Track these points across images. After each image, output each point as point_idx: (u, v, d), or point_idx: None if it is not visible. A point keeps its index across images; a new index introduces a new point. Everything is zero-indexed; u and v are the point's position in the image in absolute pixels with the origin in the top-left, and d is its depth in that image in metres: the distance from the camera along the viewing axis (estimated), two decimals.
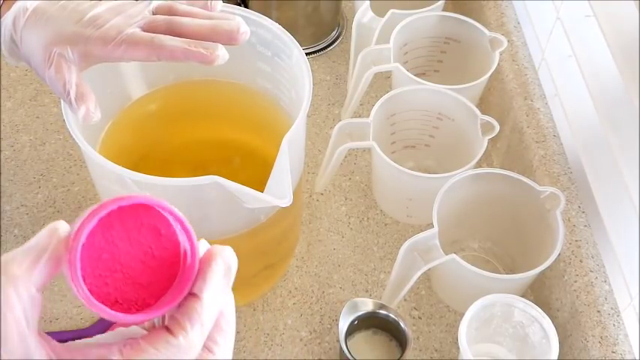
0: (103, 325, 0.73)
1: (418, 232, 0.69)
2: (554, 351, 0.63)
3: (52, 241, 0.36)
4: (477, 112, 0.78)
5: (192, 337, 0.37)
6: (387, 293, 0.72)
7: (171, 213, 0.38)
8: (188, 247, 0.39)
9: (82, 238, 0.36)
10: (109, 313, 0.37)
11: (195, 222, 0.64)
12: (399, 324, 0.69)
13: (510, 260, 0.79)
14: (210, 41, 0.53)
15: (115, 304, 0.38)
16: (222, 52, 0.53)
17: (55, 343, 0.37)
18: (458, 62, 0.91)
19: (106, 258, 0.38)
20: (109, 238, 0.37)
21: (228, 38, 0.54)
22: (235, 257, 0.40)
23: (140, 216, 0.38)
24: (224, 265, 0.39)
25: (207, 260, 0.39)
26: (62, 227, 0.37)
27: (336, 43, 1.02)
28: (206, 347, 0.39)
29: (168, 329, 0.37)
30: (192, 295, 0.38)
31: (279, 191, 0.55)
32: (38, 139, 0.91)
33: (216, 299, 0.39)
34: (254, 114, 0.75)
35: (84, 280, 0.36)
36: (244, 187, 0.54)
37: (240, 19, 0.55)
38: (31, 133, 0.91)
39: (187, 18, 0.55)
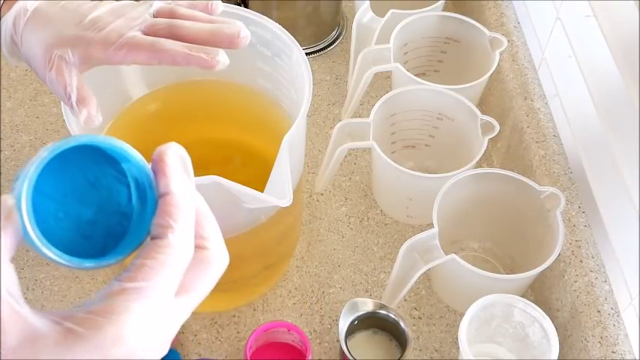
0: None
1: (418, 232, 0.69)
2: (554, 351, 0.63)
3: (2, 215, 0.35)
4: (477, 112, 0.78)
5: (180, 232, 0.36)
6: (387, 293, 0.72)
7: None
8: None
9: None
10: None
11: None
12: (399, 324, 0.69)
13: (510, 260, 0.79)
14: (210, 45, 0.53)
15: None
16: (222, 58, 0.53)
17: (50, 311, 0.35)
18: (458, 62, 0.91)
19: None
20: None
21: (228, 42, 0.54)
22: (184, 150, 0.39)
23: None
24: (176, 156, 0.38)
25: (158, 158, 0.38)
26: (7, 199, 0.35)
27: (336, 43, 1.02)
28: (197, 247, 0.37)
29: (153, 238, 0.36)
30: (161, 196, 0.37)
31: (279, 191, 0.55)
32: (38, 139, 0.91)
33: (187, 190, 0.37)
34: (254, 114, 0.75)
35: None
36: (244, 187, 0.54)
37: (240, 24, 0.55)
38: (31, 133, 0.91)
39: (188, 21, 0.55)
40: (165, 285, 0.35)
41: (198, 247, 0.37)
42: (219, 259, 0.38)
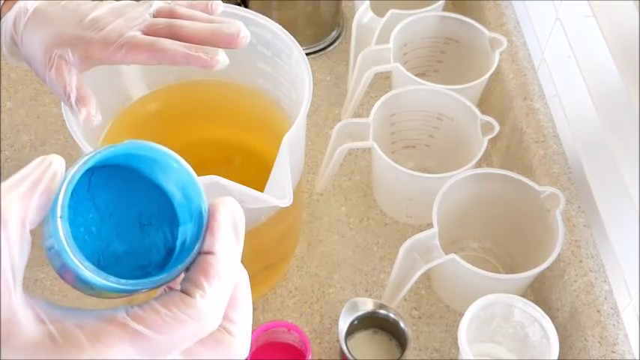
0: None
1: (418, 232, 0.69)
2: (554, 351, 0.63)
3: (47, 174, 0.31)
4: (477, 112, 0.78)
5: (211, 296, 0.32)
6: (387, 293, 0.72)
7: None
8: None
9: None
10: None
11: None
12: (399, 324, 0.70)
13: (510, 260, 0.79)
14: (210, 45, 0.53)
15: None
16: (222, 57, 0.53)
17: (44, 303, 0.31)
18: (458, 62, 0.91)
19: None
20: None
21: (228, 42, 0.54)
22: (240, 209, 0.35)
23: None
24: (229, 214, 0.35)
25: (210, 214, 0.34)
26: (57, 161, 0.32)
27: (336, 43, 1.02)
28: (223, 328, 0.34)
29: (182, 291, 0.32)
30: (203, 253, 0.34)
31: (279, 191, 0.55)
32: (38, 139, 0.91)
33: (232, 256, 0.34)
34: (254, 114, 0.75)
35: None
36: (244, 187, 0.54)
37: (240, 24, 0.55)
38: (31, 133, 0.91)
39: (188, 21, 0.55)
40: (170, 344, 0.32)
41: (223, 328, 0.34)
42: (239, 350, 0.34)
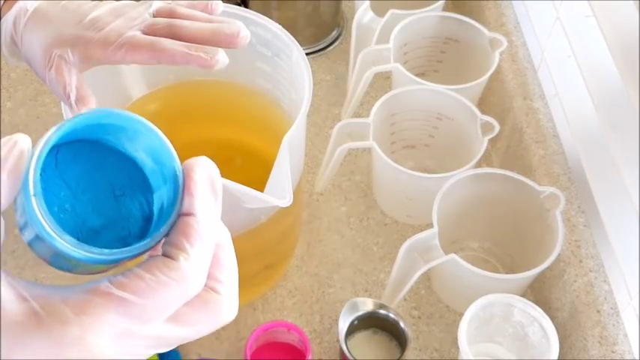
0: None
1: (418, 232, 0.69)
2: (554, 351, 0.63)
3: (13, 153, 0.31)
4: (477, 112, 0.78)
5: (194, 258, 0.32)
6: (387, 293, 0.72)
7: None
8: None
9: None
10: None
11: None
12: (398, 324, 0.70)
13: (510, 260, 0.79)
14: (210, 45, 0.53)
15: None
16: (222, 57, 0.53)
17: (26, 282, 0.31)
18: (458, 62, 0.91)
19: None
20: None
21: (228, 42, 0.54)
22: (216, 168, 0.35)
23: None
24: (206, 173, 0.34)
25: (186, 173, 0.34)
26: (22, 140, 0.31)
27: (336, 43, 1.02)
28: (209, 288, 0.33)
29: (164, 255, 0.32)
30: (182, 215, 0.33)
31: (279, 191, 0.55)
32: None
33: (211, 215, 0.34)
34: (254, 114, 0.75)
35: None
36: (244, 187, 0.54)
37: (240, 24, 0.55)
38: (31, 133, 0.90)
39: (188, 21, 0.55)
40: (156, 309, 0.31)
41: (209, 288, 0.34)
42: (227, 309, 0.34)
